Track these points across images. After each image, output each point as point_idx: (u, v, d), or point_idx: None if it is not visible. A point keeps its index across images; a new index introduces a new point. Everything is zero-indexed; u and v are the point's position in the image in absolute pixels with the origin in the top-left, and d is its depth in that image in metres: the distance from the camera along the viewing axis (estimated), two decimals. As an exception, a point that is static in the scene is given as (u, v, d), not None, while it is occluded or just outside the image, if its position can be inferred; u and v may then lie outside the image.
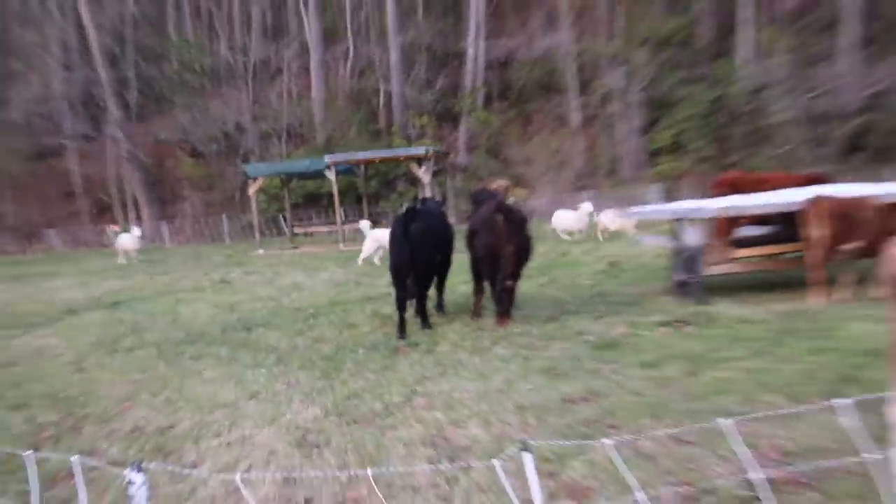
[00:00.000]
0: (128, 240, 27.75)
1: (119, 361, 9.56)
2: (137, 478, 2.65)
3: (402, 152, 31.91)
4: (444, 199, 11.86)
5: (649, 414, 5.69)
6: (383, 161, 33.38)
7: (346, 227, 29.58)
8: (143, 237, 28.98)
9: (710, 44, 37.71)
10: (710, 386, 6.21)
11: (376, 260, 18.70)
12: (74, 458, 3.21)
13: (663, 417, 5.57)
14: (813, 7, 36.31)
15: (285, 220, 34.90)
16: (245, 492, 4.41)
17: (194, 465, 5.66)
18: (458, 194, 34.33)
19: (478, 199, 11.13)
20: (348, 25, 45.17)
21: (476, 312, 10.13)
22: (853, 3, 34.10)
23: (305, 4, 44.41)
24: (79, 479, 3.20)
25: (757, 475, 3.02)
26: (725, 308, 9.29)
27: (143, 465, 2.78)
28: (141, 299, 15.65)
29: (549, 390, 6.47)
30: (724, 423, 3.08)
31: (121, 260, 27.30)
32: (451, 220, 13.23)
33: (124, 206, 45.39)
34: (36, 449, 6.66)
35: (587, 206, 22.59)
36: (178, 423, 6.71)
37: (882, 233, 8.86)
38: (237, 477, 3.21)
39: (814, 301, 9.18)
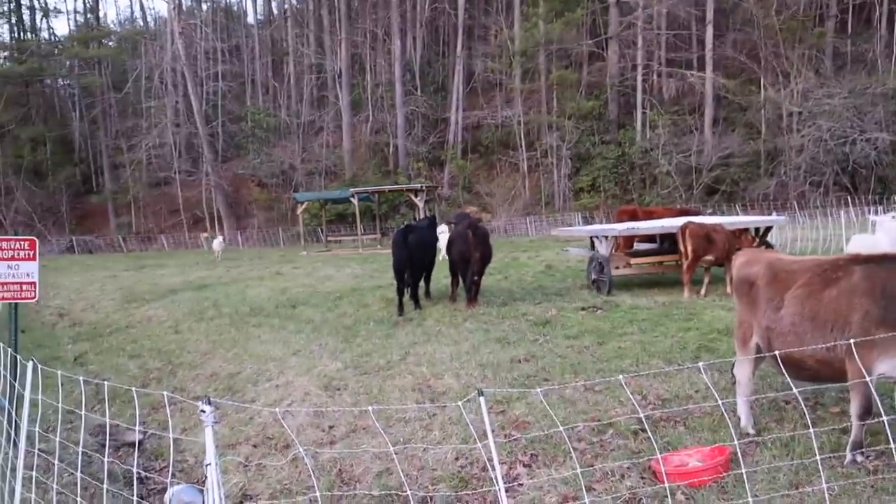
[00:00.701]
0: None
1: (203, 326, 9.43)
2: (207, 408, 2.57)
3: (404, 186, 31.96)
4: (434, 219, 11.72)
5: (571, 371, 5.64)
6: (391, 192, 33.58)
7: (364, 237, 29.50)
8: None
9: (616, 118, 38.09)
10: (613, 352, 6.18)
11: None
12: (165, 394, 3.14)
13: (580, 373, 5.53)
14: (683, 96, 37.04)
15: (322, 231, 34.66)
16: (283, 422, 4.31)
17: (253, 401, 5.55)
18: (443, 216, 34.26)
19: (456, 220, 11.06)
20: (369, 99, 45.16)
21: (452, 298, 10.04)
22: (709, 95, 35.04)
23: (340, 84, 44.32)
24: (168, 409, 3.11)
25: (643, 414, 2.96)
26: (624, 298, 9.27)
27: (212, 399, 2.68)
28: (220, 284, 15.44)
29: (501, 353, 6.41)
30: (622, 377, 3.04)
31: (211, 257, 27.02)
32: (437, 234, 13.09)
33: (212, 219, 45.15)
34: (144, 386, 6.53)
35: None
36: (242, 370, 6.59)
37: (729, 249, 8.94)
38: (278, 410, 3.12)
39: (684, 294, 9.18)
